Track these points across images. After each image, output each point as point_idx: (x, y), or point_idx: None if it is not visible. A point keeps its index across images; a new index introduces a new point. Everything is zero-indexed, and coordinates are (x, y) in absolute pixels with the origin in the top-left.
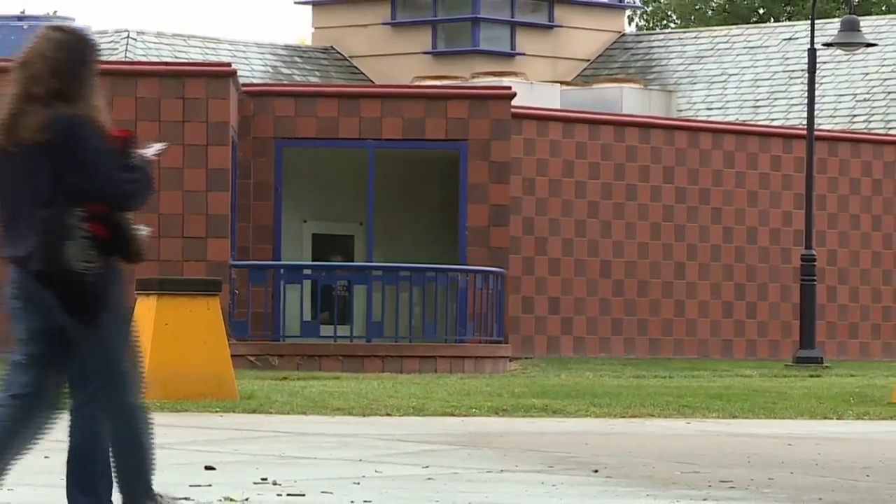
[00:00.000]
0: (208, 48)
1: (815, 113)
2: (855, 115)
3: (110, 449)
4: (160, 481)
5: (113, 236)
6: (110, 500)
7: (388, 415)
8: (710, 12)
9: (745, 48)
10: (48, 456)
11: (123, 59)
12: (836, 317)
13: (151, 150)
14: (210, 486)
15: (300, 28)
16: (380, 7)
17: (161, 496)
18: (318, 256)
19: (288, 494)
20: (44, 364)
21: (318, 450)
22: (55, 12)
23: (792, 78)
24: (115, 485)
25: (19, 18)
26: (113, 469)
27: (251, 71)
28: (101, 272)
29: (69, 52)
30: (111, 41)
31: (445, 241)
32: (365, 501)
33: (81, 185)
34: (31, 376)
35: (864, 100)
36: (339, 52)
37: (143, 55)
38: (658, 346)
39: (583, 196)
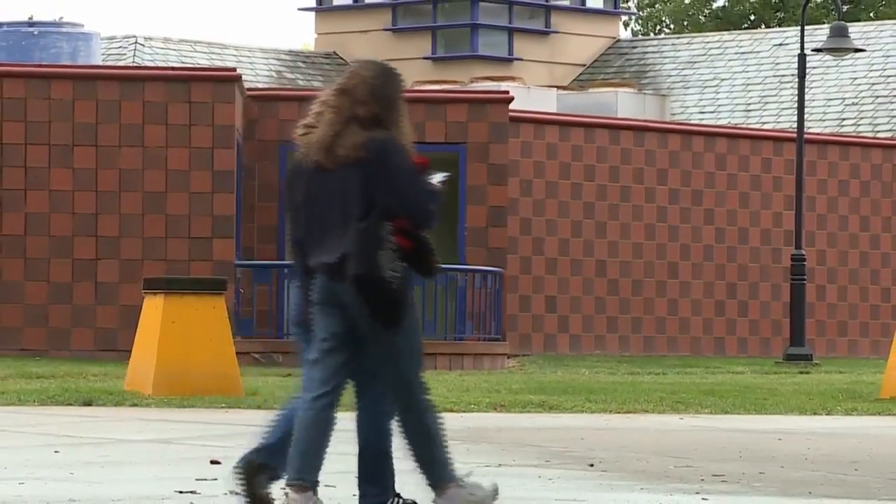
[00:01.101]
0: (214, 53)
1: (805, 117)
2: (844, 119)
3: (405, 443)
4: (166, 475)
5: (415, 249)
6: (394, 489)
7: None
8: (703, 18)
9: (736, 53)
10: (58, 451)
11: (132, 64)
12: (826, 315)
13: (438, 178)
14: (216, 479)
15: (304, 34)
16: (381, 13)
17: (464, 483)
18: None
19: None
20: (337, 364)
21: None
22: (61, 17)
23: (782, 82)
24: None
25: (29, 24)
26: (413, 460)
27: (256, 76)
28: (404, 281)
29: (387, 81)
30: (119, 47)
31: (445, 241)
32: None
33: (389, 202)
34: (327, 376)
35: (853, 104)
36: (341, 58)
37: (151, 60)
38: (652, 344)
39: (578, 197)
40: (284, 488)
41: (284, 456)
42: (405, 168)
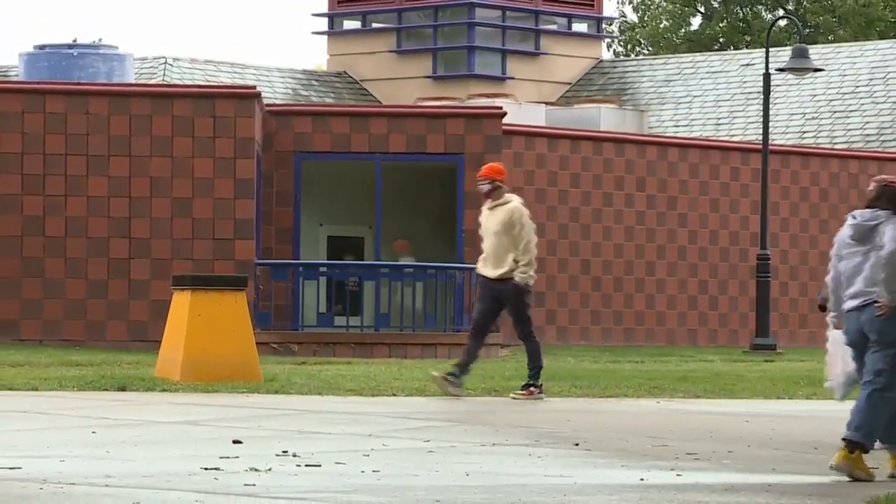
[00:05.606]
0: (236, 72)
1: (770, 130)
2: (804, 132)
3: None
4: (192, 453)
5: None
6: None
7: (393, 395)
8: (677, 41)
9: (708, 73)
10: (95, 432)
11: (162, 82)
12: (788, 309)
13: None
14: (237, 457)
15: (317, 55)
16: (387, 37)
17: None
18: (333, 256)
19: (306, 465)
20: None
21: (333, 426)
22: (100, 39)
23: (749, 99)
24: None
25: (70, 47)
26: None
27: (274, 93)
28: None
29: None
30: (150, 66)
31: (444, 242)
32: (374, 471)
33: None
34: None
35: (813, 118)
36: (350, 76)
37: (179, 78)
38: (632, 335)
39: (565, 203)
40: None
41: None
42: None
